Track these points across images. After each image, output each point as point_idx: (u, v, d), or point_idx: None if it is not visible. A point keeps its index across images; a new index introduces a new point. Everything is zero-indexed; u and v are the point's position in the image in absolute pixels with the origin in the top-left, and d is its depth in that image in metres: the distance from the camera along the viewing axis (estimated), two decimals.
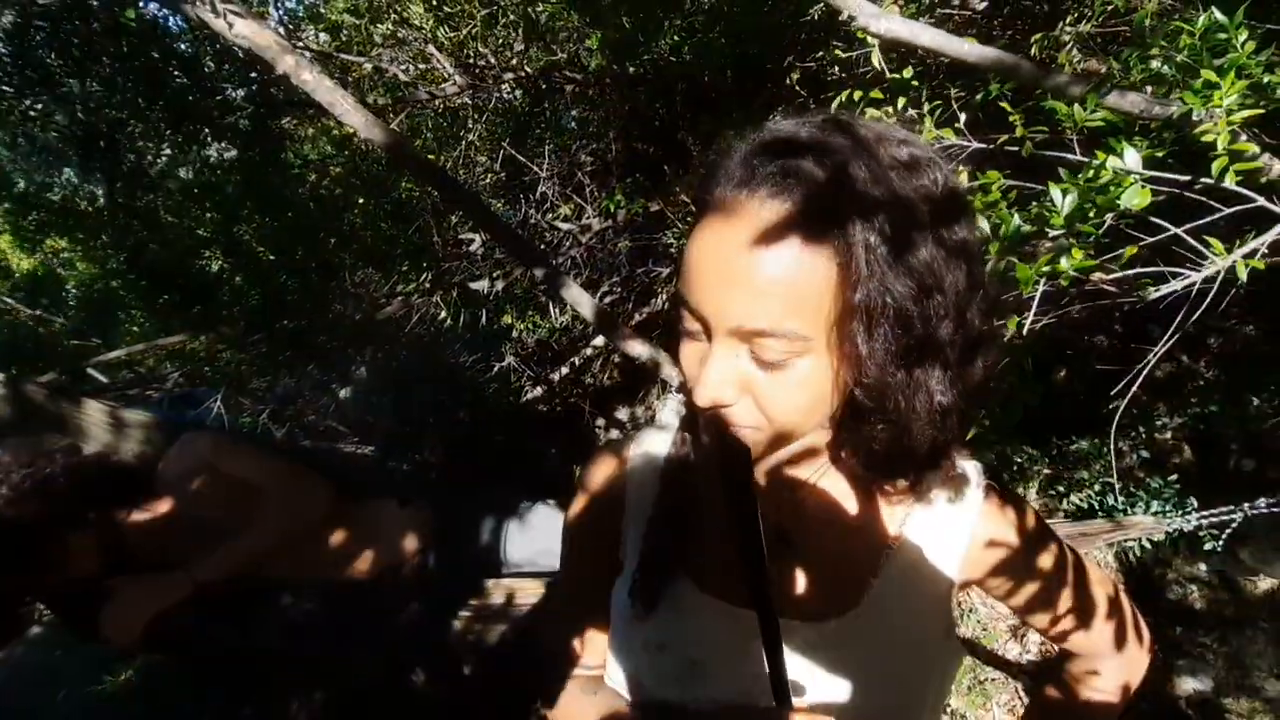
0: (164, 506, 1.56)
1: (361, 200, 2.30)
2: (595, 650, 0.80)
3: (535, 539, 1.75)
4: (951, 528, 0.70)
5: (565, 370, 3.57)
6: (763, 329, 0.51)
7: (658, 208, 2.88)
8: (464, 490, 1.95)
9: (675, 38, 1.91)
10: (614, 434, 3.48)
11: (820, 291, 0.51)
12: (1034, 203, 1.11)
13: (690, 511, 0.72)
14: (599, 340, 3.51)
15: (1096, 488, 2.10)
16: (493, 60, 2.29)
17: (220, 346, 2.05)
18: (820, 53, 2.10)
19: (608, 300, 3.05)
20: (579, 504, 0.81)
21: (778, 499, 0.70)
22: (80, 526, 1.43)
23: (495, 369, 3.11)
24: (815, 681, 0.66)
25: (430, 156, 2.32)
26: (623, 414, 3.75)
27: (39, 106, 1.99)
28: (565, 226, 2.62)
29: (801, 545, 0.70)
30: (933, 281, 0.52)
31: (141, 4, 1.75)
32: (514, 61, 2.35)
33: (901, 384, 0.54)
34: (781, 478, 0.70)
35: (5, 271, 5.73)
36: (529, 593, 1.63)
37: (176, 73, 1.86)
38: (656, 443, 0.79)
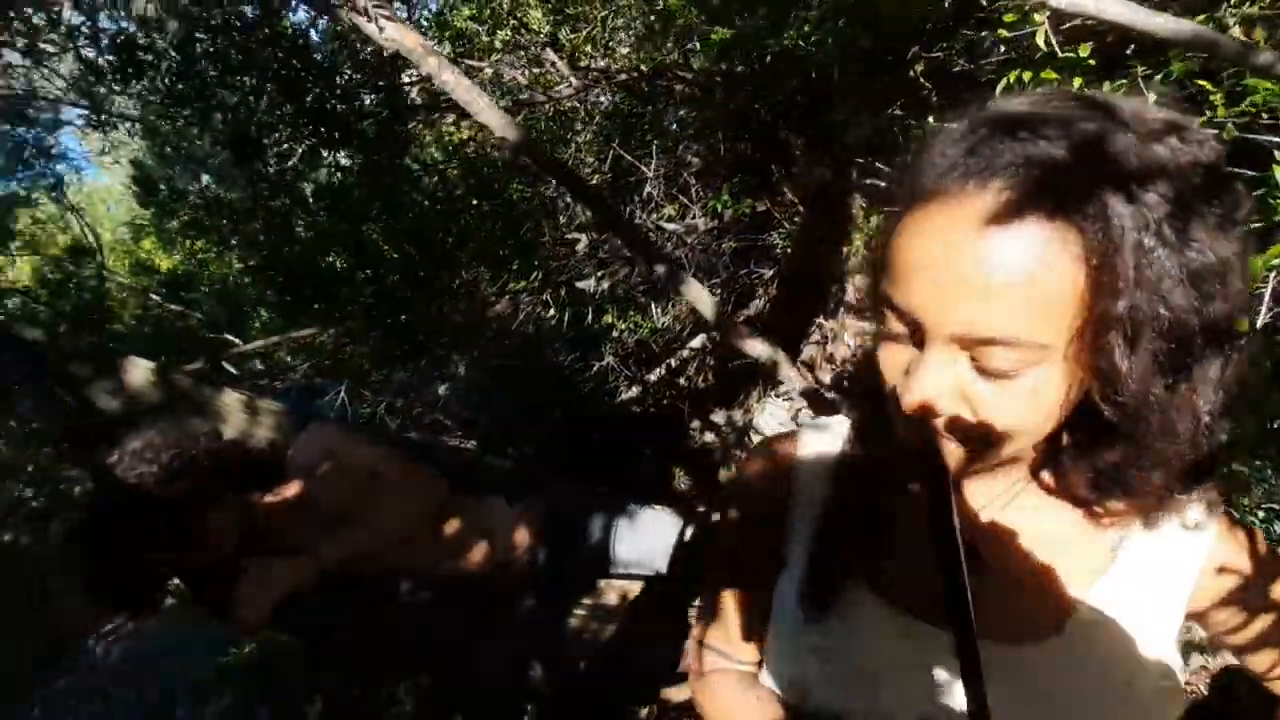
0: (292, 492, 1.61)
1: (475, 202, 2.36)
2: (748, 647, 0.75)
3: (643, 540, 1.71)
4: (1181, 555, 0.61)
5: (662, 371, 3.54)
6: (992, 337, 0.45)
7: (764, 208, 2.80)
8: (571, 490, 1.93)
9: (802, 29, 1.83)
10: (709, 437, 3.42)
11: (1066, 296, 0.43)
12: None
13: (869, 517, 0.66)
14: (696, 342, 3.46)
15: None
16: (604, 62, 2.30)
17: (344, 341, 2.15)
18: (947, 42, 1.96)
19: None
20: (738, 495, 0.77)
21: (975, 513, 0.63)
22: (219, 507, 1.48)
23: (594, 368, 3.12)
24: (1002, 712, 0.58)
25: None
26: (718, 417, 3.66)
27: (193, 115, 2.16)
28: (670, 227, 2.59)
29: (999, 563, 0.62)
30: (1218, 287, 0.43)
31: (291, 13, 1.87)
32: (624, 63, 2.35)
33: (1163, 402, 0.46)
34: (981, 490, 0.63)
35: (150, 270, 6.37)
36: (640, 593, 1.59)
37: (315, 81, 1.97)
38: (824, 441, 0.73)
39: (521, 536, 1.68)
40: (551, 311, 2.45)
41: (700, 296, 1.57)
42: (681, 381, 3.78)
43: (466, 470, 2.00)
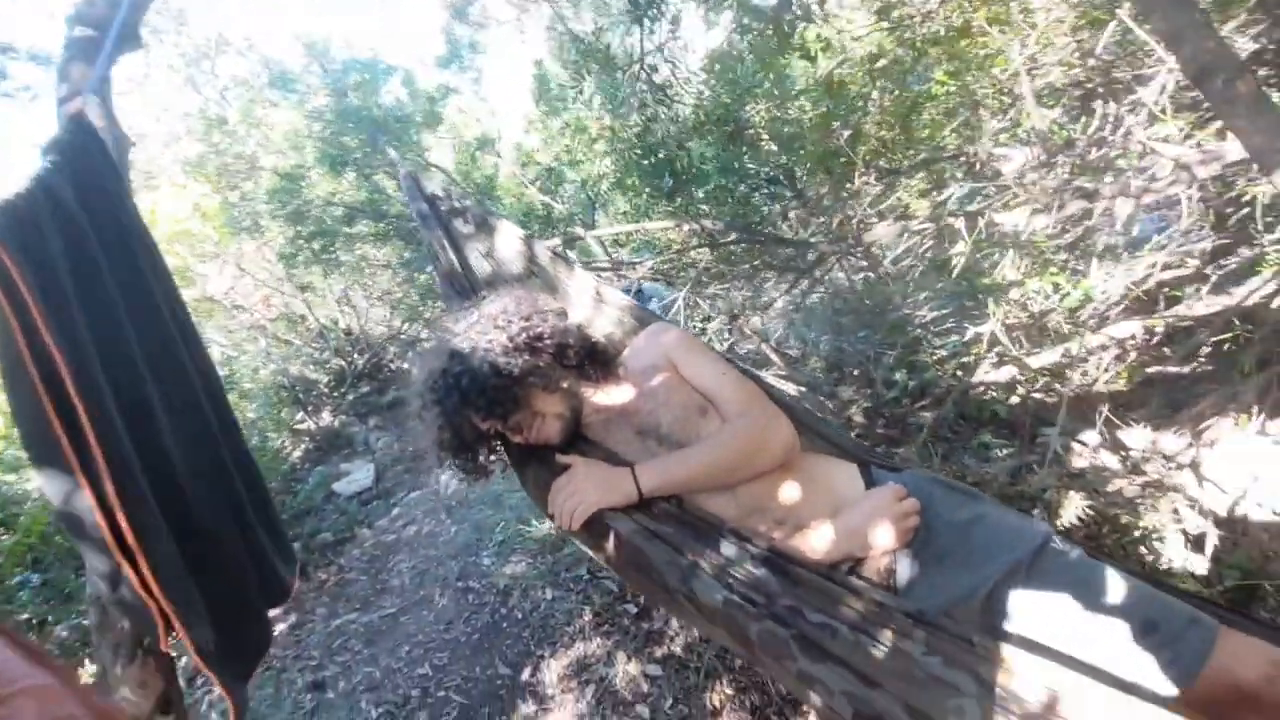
0: (624, 394, 1.41)
1: (878, 92, 1.83)
2: None
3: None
4: None
5: (1056, 356, 2.66)
6: None
7: None
8: (939, 483, 1.41)
9: None
10: (1103, 458, 2.49)
11: None
12: None
13: None
14: (1121, 329, 2.49)
15: None
16: None
17: (695, 242, 1.89)
18: None
19: None
20: None
21: None
22: (556, 391, 1.35)
23: (969, 333, 2.41)
24: None
25: None
26: (1090, 437, 2.65)
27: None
28: (1170, 151, 1.71)
29: None
30: None
31: None
32: None
33: None
34: None
35: (533, 163, 7.20)
36: None
37: None
38: None
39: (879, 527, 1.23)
40: (946, 245, 1.85)
41: None
42: (1072, 375, 2.83)
43: (808, 421, 1.61)
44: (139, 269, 1.28)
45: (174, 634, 1.04)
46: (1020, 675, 0.81)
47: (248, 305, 6.36)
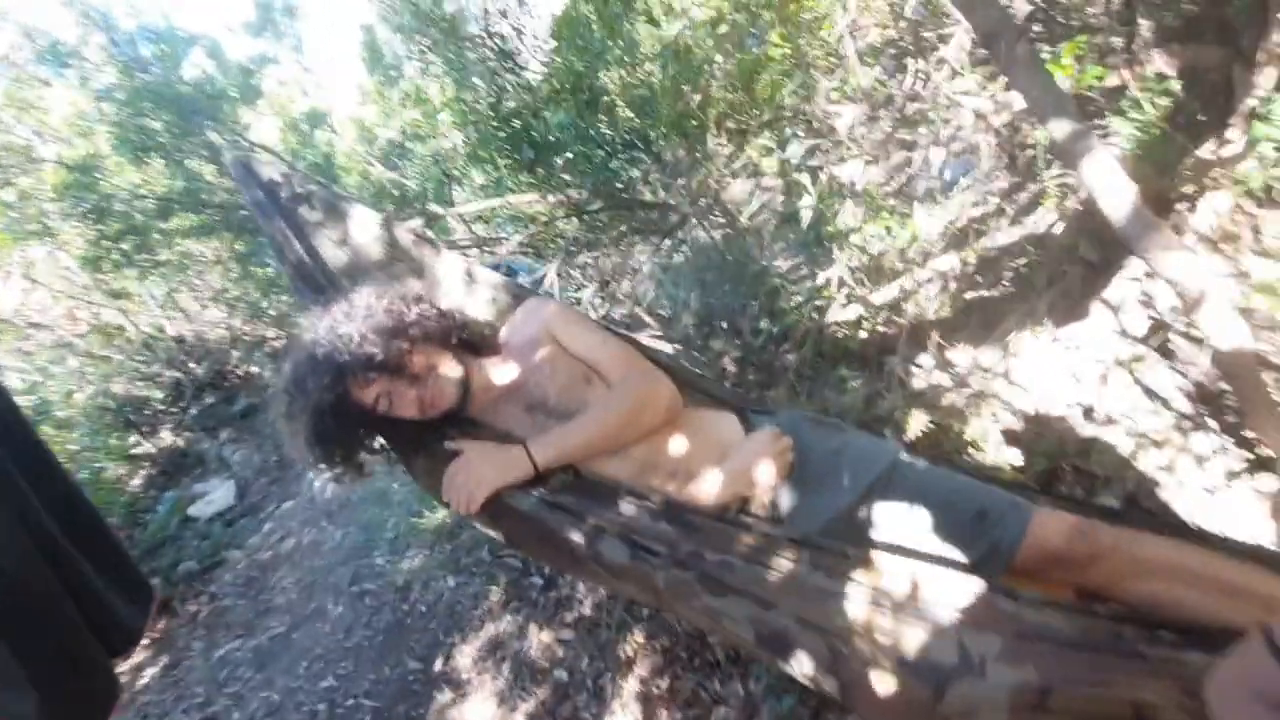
0: (507, 371, 1.41)
1: (720, 56, 1.91)
2: None
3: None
4: None
5: (894, 292, 2.96)
6: None
7: (1118, 82, 2.02)
8: (809, 418, 1.55)
9: None
10: (937, 377, 2.85)
11: None
12: None
13: None
14: (944, 262, 2.83)
15: None
16: None
17: (560, 213, 1.89)
18: None
19: None
20: None
21: None
22: (431, 376, 1.32)
23: (819, 278, 2.63)
24: None
25: None
26: (925, 360, 3.03)
27: None
28: (971, 102, 1.95)
29: None
30: None
31: None
32: None
33: None
34: None
35: (371, 139, 6.71)
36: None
37: None
38: None
39: (763, 465, 1.34)
40: (794, 199, 1.99)
41: (1114, 183, 1.05)
42: (908, 306, 3.18)
43: (683, 375, 1.70)
44: None
45: None
46: (888, 574, 0.94)
47: (47, 321, 5.47)
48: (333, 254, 1.64)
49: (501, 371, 1.42)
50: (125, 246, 5.09)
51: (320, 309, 1.31)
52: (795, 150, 1.95)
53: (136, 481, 4.88)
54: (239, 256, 5.74)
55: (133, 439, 5.16)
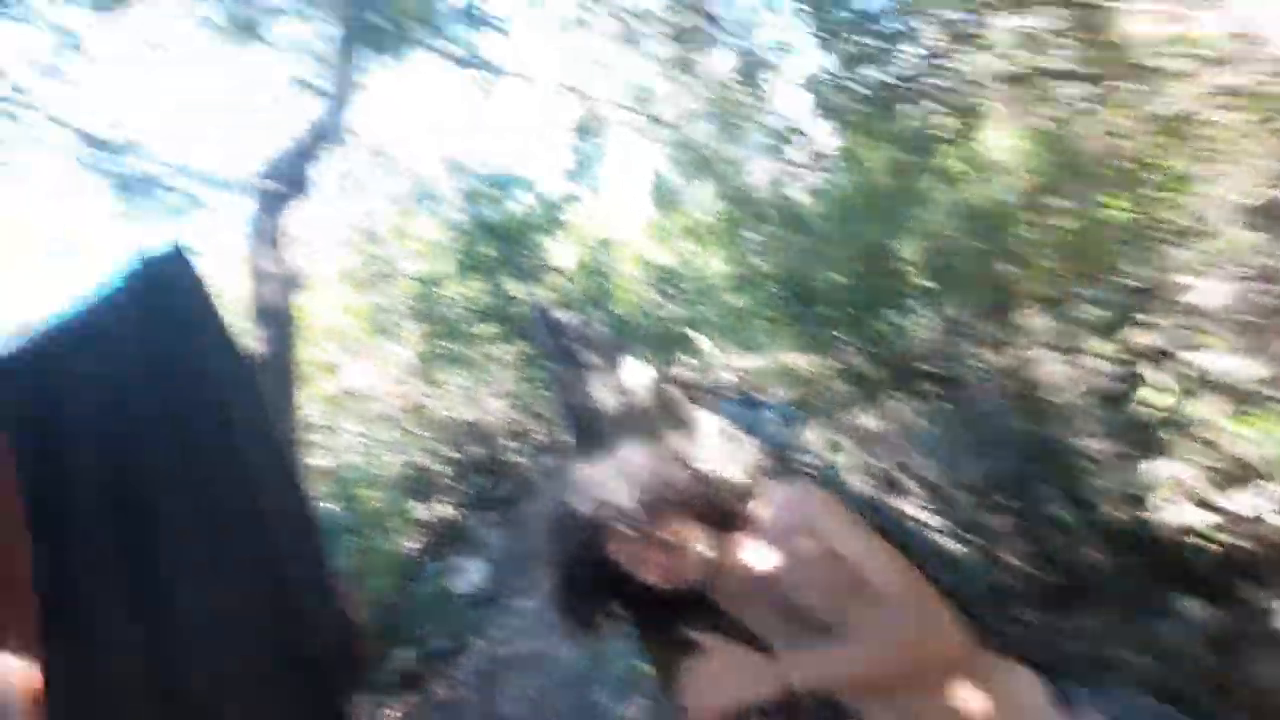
0: (759, 557, 1.29)
1: (1035, 216, 1.68)
2: None
3: None
4: None
5: (1260, 501, 2.22)
6: None
7: None
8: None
9: None
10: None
11: None
12: None
13: None
14: None
15: None
16: None
17: (831, 374, 1.77)
18: None
19: None
20: None
21: None
22: (682, 544, 1.26)
23: (1147, 470, 2.06)
24: None
25: None
26: None
27: None
28: None
29: None
30: None
31: None
32: None
33: None
34: None
35: (648, 264, 7.42)
36: None
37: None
38: None
39: None
40: (1128, 386, 1.61)
41: None
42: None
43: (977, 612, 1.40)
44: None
45: None
46: None
47: (379, 395, 6.85)
48: (606, 398, 1.73)
49: (754, 557, 1.31)
50: (448, 345, 6.26)
51: (587, 460, 1.36)
52: (1138, 332, 1.60)
53: (413, 544, 5.64)
54: (527, 360, 6.67)
55: (417, 505, 6.05)
